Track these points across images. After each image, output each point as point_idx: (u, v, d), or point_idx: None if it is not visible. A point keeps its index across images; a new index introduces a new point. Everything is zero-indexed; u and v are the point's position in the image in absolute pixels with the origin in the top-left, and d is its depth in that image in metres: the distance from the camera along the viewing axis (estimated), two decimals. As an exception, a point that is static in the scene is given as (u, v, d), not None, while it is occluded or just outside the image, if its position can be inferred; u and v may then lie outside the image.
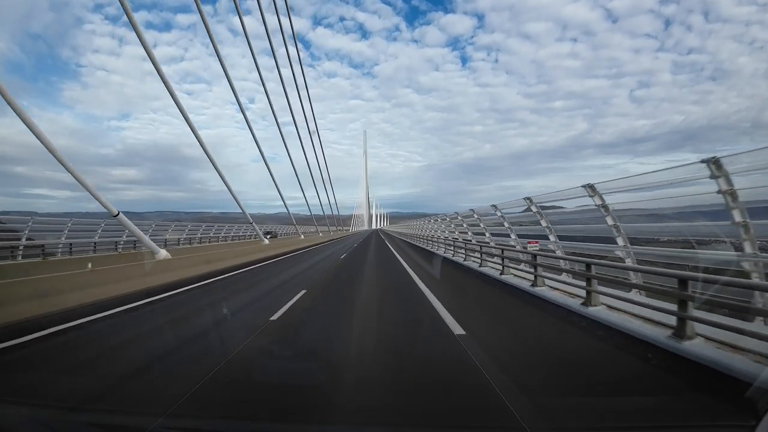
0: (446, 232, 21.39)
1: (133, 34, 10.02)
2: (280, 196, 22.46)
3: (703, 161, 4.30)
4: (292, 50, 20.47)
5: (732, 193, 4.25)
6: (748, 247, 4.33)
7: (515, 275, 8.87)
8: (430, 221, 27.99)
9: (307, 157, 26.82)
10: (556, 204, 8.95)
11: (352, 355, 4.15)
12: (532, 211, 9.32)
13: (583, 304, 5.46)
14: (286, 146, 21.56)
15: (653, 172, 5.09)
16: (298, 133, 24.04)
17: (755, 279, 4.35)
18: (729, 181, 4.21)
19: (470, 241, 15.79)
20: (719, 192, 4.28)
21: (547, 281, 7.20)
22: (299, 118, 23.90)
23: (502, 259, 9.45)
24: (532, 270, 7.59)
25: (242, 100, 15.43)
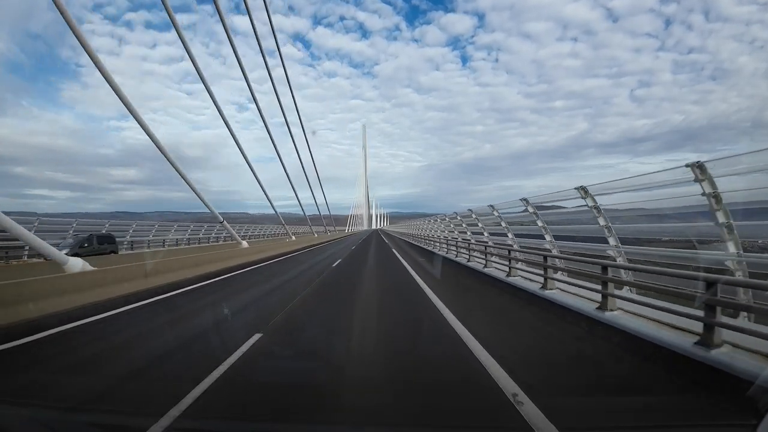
0: (468, 233, 18.28)
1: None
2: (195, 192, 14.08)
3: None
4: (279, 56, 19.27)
5: (597, 208, 6.58)
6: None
7: (562, 290, 6.67)
8: (431, 221, 28.02)
9: (277, 153, 22.45)
10: (556, 204, 9.07)
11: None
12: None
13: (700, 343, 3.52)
14: (238, 145, 16.68)
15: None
16: (266, 125, 19.87)
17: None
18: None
19: (510, 247, 11.48)
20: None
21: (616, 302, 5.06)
22: (290, 118, 22.04)
23: (545, 269, 6.95)
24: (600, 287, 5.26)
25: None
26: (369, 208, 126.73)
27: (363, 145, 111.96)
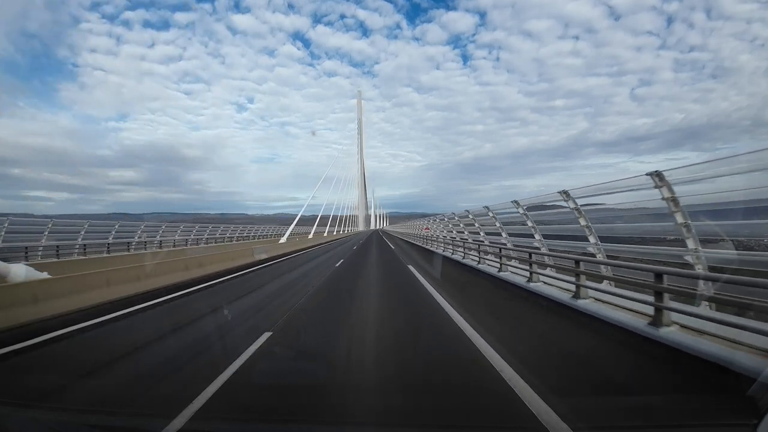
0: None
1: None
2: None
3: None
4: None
5: (526, 214, 10.02)
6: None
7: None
8: (429, 221, 28.86)
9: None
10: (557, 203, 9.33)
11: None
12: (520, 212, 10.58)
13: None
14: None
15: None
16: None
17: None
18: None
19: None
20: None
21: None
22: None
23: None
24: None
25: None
26: (368, 208, 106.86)
27: (358, 118, 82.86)
